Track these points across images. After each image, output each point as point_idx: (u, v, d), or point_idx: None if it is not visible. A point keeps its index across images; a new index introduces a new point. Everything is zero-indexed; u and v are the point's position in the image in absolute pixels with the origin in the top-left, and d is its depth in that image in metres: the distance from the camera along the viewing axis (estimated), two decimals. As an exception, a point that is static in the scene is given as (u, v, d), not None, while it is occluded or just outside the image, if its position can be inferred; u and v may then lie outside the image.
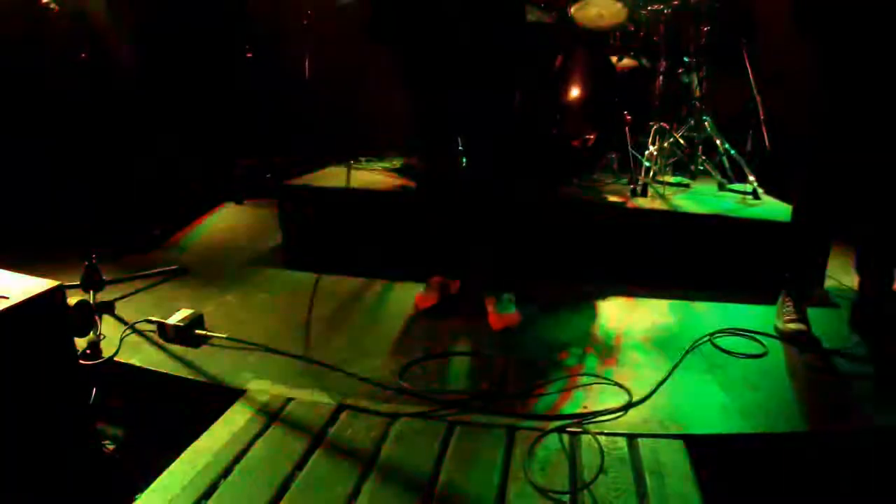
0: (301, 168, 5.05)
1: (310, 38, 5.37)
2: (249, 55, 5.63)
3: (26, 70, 4.24)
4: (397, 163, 4.72)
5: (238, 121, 5.75)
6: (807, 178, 2.96)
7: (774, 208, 4.01)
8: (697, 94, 4.61)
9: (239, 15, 5.74)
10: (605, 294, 3.38)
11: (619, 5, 4.35)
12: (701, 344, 2.85)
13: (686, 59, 4.69)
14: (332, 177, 4.40)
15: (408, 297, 3.24)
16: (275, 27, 5.90)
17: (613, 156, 4.66)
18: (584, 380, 2.52)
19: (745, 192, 4.29)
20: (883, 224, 2.97)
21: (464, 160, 3.05)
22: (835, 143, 2.76)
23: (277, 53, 5.91)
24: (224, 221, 4.94)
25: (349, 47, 5.64)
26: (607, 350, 2.80)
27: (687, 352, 2.76)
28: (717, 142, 4.51)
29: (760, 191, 4.27)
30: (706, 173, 4.59)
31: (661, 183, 4.20)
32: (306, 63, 5.37)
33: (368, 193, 3.91)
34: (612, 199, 3.84)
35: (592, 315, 3.18)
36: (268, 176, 5.30)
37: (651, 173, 4.21)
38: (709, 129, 4.51)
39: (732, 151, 4.48)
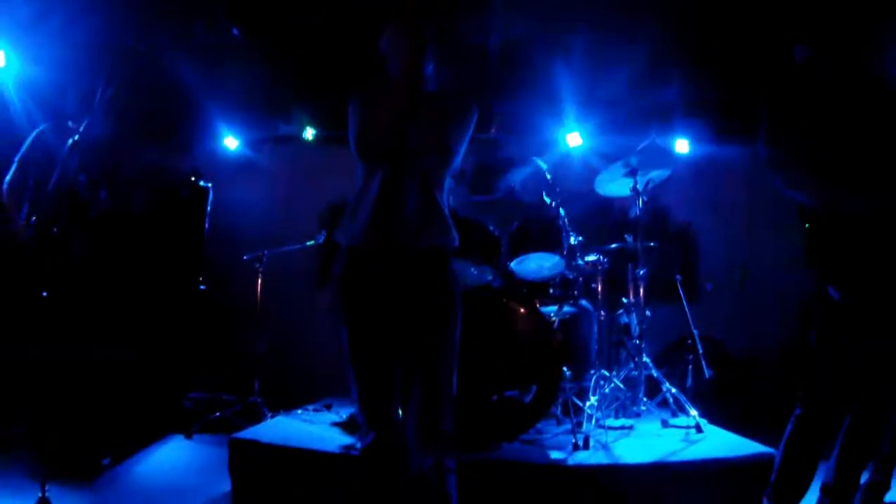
0: (247, 407, 5.39)
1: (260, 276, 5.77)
2: (203, 287, 5.92)
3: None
4: (345, 415, 4.84)
5: (189, 352, 5.99)
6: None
7: (717, 441, 4.19)
8: (637, 333, 4.90)
9: (196, 250, 6.10)
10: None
11: (557, 257, 4.65)
12: None
13: (625, 300, 5.03)
14: (283, 429, 4.55)
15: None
16: (230, 263, 6.23)
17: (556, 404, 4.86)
18: None
19: (688, 427, 4.47)
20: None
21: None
22: None
23: (231, 290, 6.25)
24: (172, 456, 4.97)
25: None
26: None
27: None
28: (658, 379, 4.74)
29: (703, 422, 4.46)
30: (650, 411, 4.79)
31: (604, 428, 4.36)
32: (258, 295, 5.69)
33: (313, 456, 3.96)
34: (554, 454, 3.97)
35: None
36: (217, 414, 5.43)
37: (593, 421, 4.39)
38: (648, 368, 4.76)
39: (673, 390, 4.70)
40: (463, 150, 3.01)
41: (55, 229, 4.39)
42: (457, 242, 2.89)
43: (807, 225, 3.09)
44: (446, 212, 2.92)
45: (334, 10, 5.47)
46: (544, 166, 5.00)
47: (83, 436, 4.66)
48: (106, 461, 4.56)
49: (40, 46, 5.28)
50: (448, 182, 3.12)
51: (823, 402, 3.13)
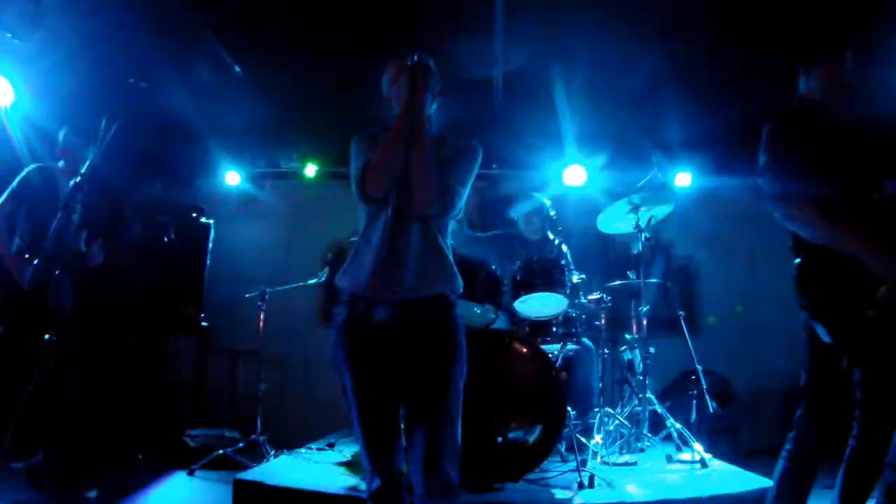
0: (250, 444, 5.36)
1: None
2: (205, 324, 5.93)
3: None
4: (348, 454, 4.84)
5: (191, 389, 5.97)
6: None
7: (722, 476, 4.18)
8: (640, 369, 4.88)
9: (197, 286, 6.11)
10: None
11: (560, 296, 4.60)
12: None
13: (628, 336, 5.02)
14: (287, 469, 4.54)
15: None
16: (231, 300, 6.23)
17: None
18: None
19: (692, 462, 4.44)
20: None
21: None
22: None
23: (232, 326, 6.25)
24: (174, 493, 4.94)
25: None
26: None
27: None
28: (662, 415, 4.72)
29: (708, 457, 4.44)
30: (654, 446, 4.77)
31: (609, 465, 4.34)
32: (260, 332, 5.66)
33: (319, 498, 3.90)
34: (559, 494, 3.94)
35: None
36: (219, 452, 5.38)
37: (598, 458, 4.36)
38: (652, 403, 4.74)
39: (678, 425, 4.68)
40: (467, 192, 2.97)
41: (58, 271, 4.41)
42: (461, 289, 2.86)
43: (798, 260, 3.06)
44: (450, 256, 2.89)
45: (336, 47, 5.50)
46: (547, 203, 5.00)
47: (84, 472, 4.63)
48: (92, 494, 4.53)
49: (42, 81, 5.32)
50: (451, 224, 3.10)
51: (812, 439, 3.09)
